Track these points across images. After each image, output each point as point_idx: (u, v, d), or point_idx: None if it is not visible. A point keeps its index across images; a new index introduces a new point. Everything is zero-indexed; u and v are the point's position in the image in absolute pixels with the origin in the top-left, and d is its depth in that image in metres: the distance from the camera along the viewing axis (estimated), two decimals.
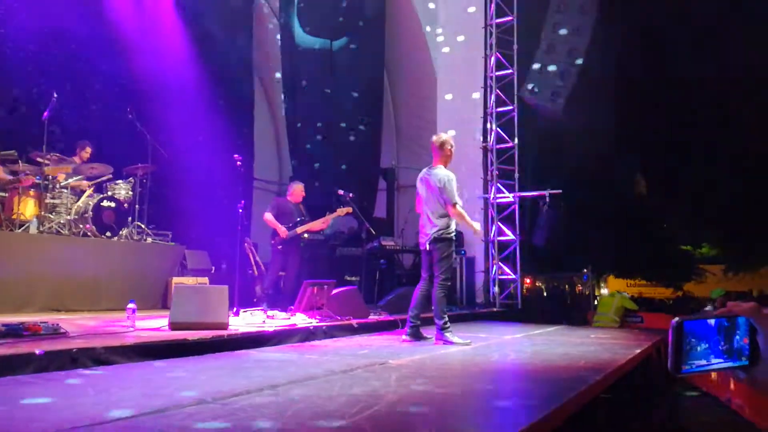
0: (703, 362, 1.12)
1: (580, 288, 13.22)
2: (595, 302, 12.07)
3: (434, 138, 5.59)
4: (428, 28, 12.28)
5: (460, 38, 11.46)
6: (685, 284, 14.63)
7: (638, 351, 5.12)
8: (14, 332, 4.00)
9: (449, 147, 5.49)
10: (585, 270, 12.95)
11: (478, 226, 5.53)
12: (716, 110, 11.65)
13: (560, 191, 9.99)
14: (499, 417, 2.84)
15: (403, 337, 5.52)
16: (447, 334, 5.27)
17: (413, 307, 5.50)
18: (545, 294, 13.28)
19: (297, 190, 7.55)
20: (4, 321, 4.26)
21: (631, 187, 13.74)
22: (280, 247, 7.19)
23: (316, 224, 7.37)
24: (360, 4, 12.78)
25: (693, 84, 11.37)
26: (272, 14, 13.31)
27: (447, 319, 5.34)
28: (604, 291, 14.14)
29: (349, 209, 7.32)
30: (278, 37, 13.29)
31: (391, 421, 2.54)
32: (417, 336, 5.49)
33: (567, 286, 13.77)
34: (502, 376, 4.08)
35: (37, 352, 3.39)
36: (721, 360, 1.12)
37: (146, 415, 2.37)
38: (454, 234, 5.43)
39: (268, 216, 7.24)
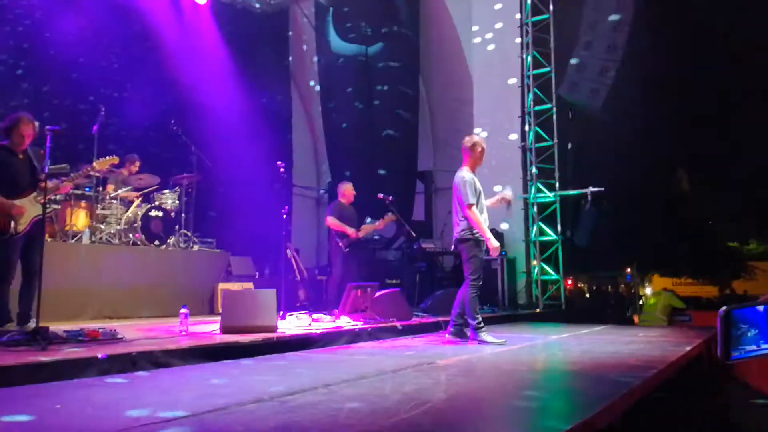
0: (753, 347, 1.13)
1: (624, 288, 12.99)
2: (640, 302, 11.85)
3: (466, 139, 5.65)
4: (463, 30, 12.27)
5: (496, 38, 11.41)
6: (734, 282, 14.21)
7: (689, 348, 5.02)
8: (75, 338, 4.17)
9: (479, 149, 5.52)
10: (628, 269, 12.73)
11: (493, 242, 5.25)
12: (763, 102, 11.32)
13: (602, 189, 9.85)
14: (549, 414, 2.84)
15: (447, 336, 5.59)
16: (481, 334, 5.31)
17: (455, 306, 5.54)
18: (588, 294, 13.09)
19: (347, 190, 7.59)
20: (63, 328, 4.44)
21: (675, 183, 13.44)
22: (347, 249, 7.24)
23: (374, 227, 7.47)
24: (395, 10, 12.86)
25: (740, 75, 11.08)
26: (308, 23, 13.49)
27: (480, 318, 5.37)
28: (648, 290, 13.85)
29: (395, 216, 7.38)
30: (314, 44, 13.46)
31: (446, 417, 2.56)
32: (460, 335, 5.52)
33: (610, 287, 13.54)
34: (552, 375, 4.06)
35: (99, 356, 3.53)
36: None
37: (210, 413, 2.45)
38: (478, 234, 5.35)
39: (332, 220, 7.30)
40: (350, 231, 7.19)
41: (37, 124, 4.67)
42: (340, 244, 7.25)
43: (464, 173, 5.45)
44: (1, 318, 4.58)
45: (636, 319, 10.37)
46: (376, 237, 8.66)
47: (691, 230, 13.50)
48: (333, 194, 11.47)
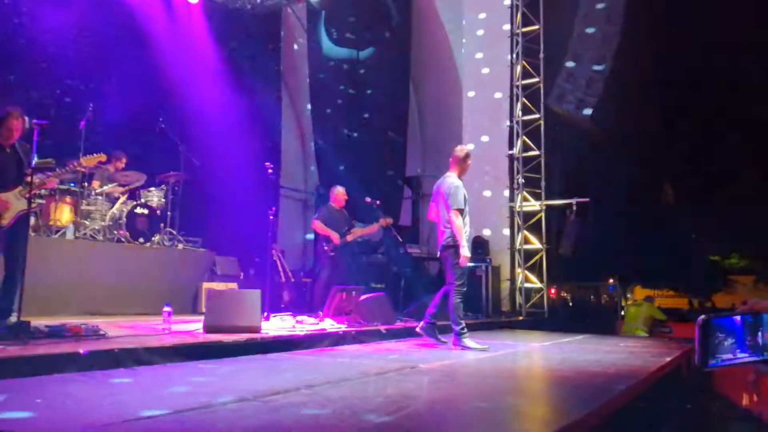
0: (730, 356, 1.16)
1: (607, 298, 13.11)
2: (622, 312, 11.96)
3: (458, 148, 5.77)
4: (454, 38, 12.35)
5: (486, 47, 11.51)
6: (714, 295, 14.40)
7: (669, 359, 5.09)
8: (57, 333, 4.13)
9: (469, 161, 5.68)
10: (611, 280, 12.85)
11: (466, 252, 5.30)
12: (746, 116, 11.51)
13: (587, 200, 9.95)
14: (530, 419, 2.87)
15: (417, 329, 5.62)
16: (464, 340, 5.37)
17: (433, 305, 5.60)
18: (571, 303, 13.18)
19: (338, 194, 7.59)
20: (45, 323, 4.40)
21: (660, 196, 13.60)
22: (332, 254, 7.24)
23: (365, 231, 7.48)
24: (386, 15, 12.91)
25: (725, 89, 11.26)
26: (300, 25, 13.49)
27: (464, 324, 5.43)
28: (630, 301, 13.98)
29: (390, 220, 7.41)
30: (305, 47, 13.47)
31: (428, 420, 2.59)
32: (431, 333, 5.57)
33: (593, 296, 13.65)
34: (533, 382, 4.10)
35: (81, 351, 3.50)
36: (746, 354, 1.16)
37: (192, 410, 2.45)
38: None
39: (318, 224, 7.31)
40: (334, 236, 7.20)
41: (26, 119, 4.63)
42: (326, 248, 7.26)
43: (454, 180, 5.52)
44: None
45: (619, 327, 10.46)
46: (359, 240, 8.67)
47: (674, 243, 13.67)
48: (320, 197, 11.48)
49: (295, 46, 13.73)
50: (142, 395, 2.79)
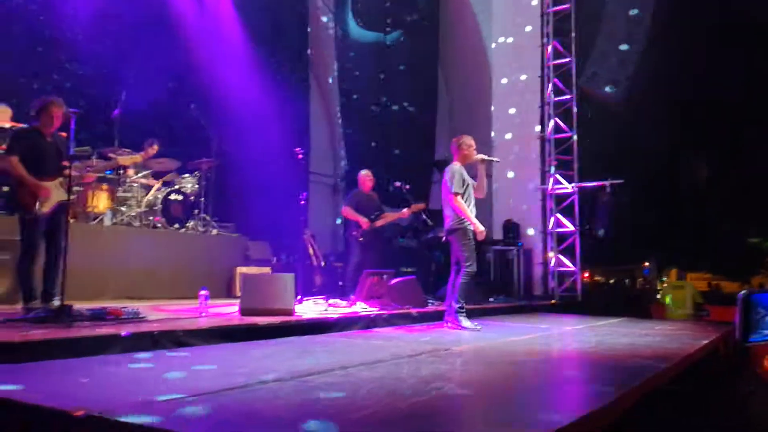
0: None
1: (642, 281, 12.89)
2: (658, 296, 11.75)
3: (453, 140, 5.88)
4: (482, 19, 12.19)
5: (516, 28, 11.33)
6: (753, 278, 14.04)
7: (705, 342, 5.01)
8: (98, 316, 4.26)
9: (465, 147, 5.72)
10: (646, 263, 12.62)
11: (479, 226, 5.45)
12: None
13: (621, 181, 9.78)
14: (564, 400, 2.87)
15: (446, 325, 5.67)
16: (460, 317, 5.48)
17: (447, 297, 5.70)
18: (605, 287, 13.01)
19: (364, 178, 7.61)
20: (87, 306, 4.54)
21: (695, 176, 13.28)
22: (362, 239, 7.27)
23: (395, 216, 7.50)
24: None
25: (764, 63, 10.88)
26: (326, 9, 13.47)
27: (463, 304, 5.54)
28: (667, 284, 13.72)
29: (423, 205, 7.40)
30: (332, 31, 13.45)
31: (463, 401, 2.60)
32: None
33: (628, 280, 13.44)
34: (567, 363, 4.08)
35: (122, 333, 3.61)
36: None
37: (231, 389, 2.51)
38: (466, 223, 5.51)
39: (347, 209, 7.37)
40: (363, 221, 7.22)
41: (66, 108, 4.74)
42: (354, 233, 7.30)
43: (452, 165, 5.67)
44: (27, 295, 4.68)
45: (656, 311, 10.28)
46: (395, 224, 8.67)
47: (711, 225, 13.35)
48: (350, 181, 11.51)
49: (323, 32, 13.71)
50: (182, 375, 2.86)
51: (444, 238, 5.78)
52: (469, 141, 5.74)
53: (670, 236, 12.79)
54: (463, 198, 5.52)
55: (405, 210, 7.43)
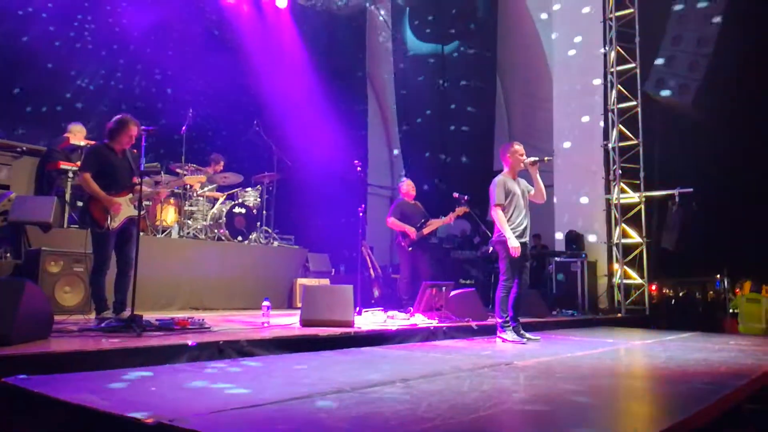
0: None
1: (713, 294, 12.29)
2: (731, 309, 11.17)
3: (500, 148, 5.85)
4: (542, 27, 12.02)
5: (577, 34, 11.11)
6: None
7: None
8: (167, 326, 4.41)
9: (509, 154, 5.63)
10: (718, 275, 12.02)
11: (513, 242, 5.27)
12: None
13: (691, 190, 9.39)
14: (634, 418, 2.75)
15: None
16: (506, 331, 5.45)
17: (509, 308, 5.59)
18: (674, 300, 12.47)
19: (406, 187, 7.58)
20: (155, 316, 4.70)
21: None
22: (410, 249, 7.24)
23: (441, 222, 7.44)
24: (471, 8, 12.77)
25: None
26: (384, 23, 13.61)
27: (506, 317, 5.48)
28: (741, 297, 13.03)
29: (466, 209, 7.28)
30: (390, 44, 13.57)
31: (526, 417, 2.54)
32: (518, 333, 5.55)
33: (698, 293, 12.84)
34: (636, 380, 3.92)
35: (189, 343, 3.71)
36: None
37: (294, 400, 2.54)
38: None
39: (392, 220, 7.34)
40: (410, 230, 7.17)
41: (139, 126, 4.96)
42: (402, 243, 7.25)
43: (498, 177, 5.61)
44: (99, 306, 4.90)
45: (728, 325, 9.77)
46: (441, 236, 8.57)
47: None
48: None
49: (380, 46, 13.86)
50: (247, 385, 2.91)
51: (490, 249, 5.74)
52: (515, 147, 5.64)
53: (744, 247, 12.15)
54: (508, 210, 5.42)
55: (450, 215, 7.33)
